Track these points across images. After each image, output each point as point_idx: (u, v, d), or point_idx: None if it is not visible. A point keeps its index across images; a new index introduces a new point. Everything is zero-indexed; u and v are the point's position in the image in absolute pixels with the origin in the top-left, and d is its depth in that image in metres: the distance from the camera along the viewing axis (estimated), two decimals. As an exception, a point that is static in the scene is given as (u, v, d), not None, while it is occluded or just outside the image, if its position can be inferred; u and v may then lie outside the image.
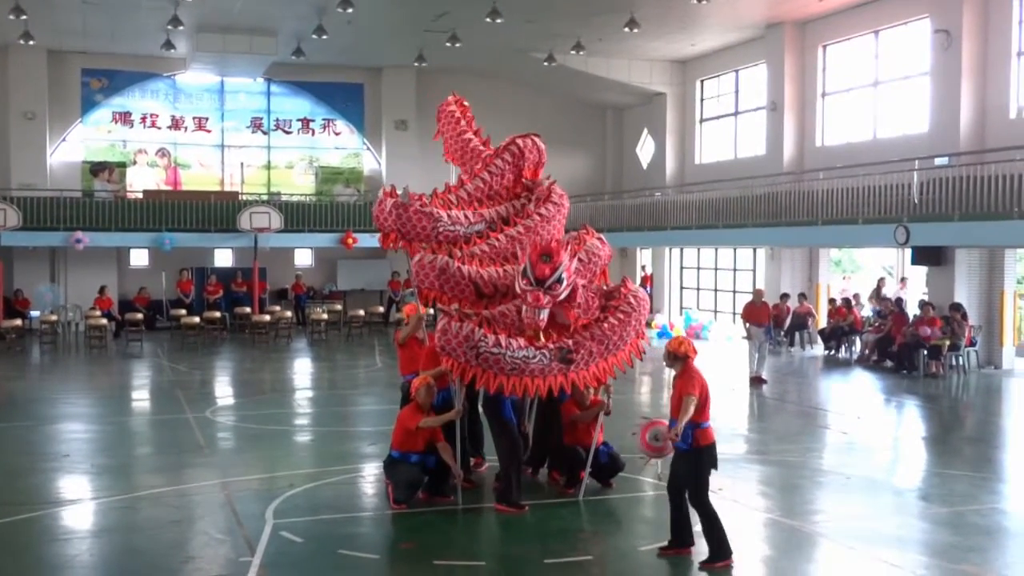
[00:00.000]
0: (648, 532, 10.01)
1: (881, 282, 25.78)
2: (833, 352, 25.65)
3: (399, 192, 11.22)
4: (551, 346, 10.40)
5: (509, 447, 10.76)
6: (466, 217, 11.27)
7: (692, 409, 8.68)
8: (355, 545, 9.45)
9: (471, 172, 11.94)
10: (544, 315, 10.30)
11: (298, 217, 33.09)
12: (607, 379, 11.01)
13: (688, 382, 8.86)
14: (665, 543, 9.16)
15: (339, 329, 31.57)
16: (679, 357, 9.03)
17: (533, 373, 10.31)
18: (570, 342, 10.49)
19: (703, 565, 8.82)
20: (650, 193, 33.32)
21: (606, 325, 10.71)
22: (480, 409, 11.66)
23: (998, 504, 11.25)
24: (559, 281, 10.24)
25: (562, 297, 10.41)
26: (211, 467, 12.84)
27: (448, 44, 29.77)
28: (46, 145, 33.03)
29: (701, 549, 8.99)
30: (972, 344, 22.31)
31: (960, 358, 22.06)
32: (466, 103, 12.72)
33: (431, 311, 12.63)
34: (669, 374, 23.04)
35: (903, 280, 25.27)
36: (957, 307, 22.16)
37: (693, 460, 8.86)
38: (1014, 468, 13.50)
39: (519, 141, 11.92)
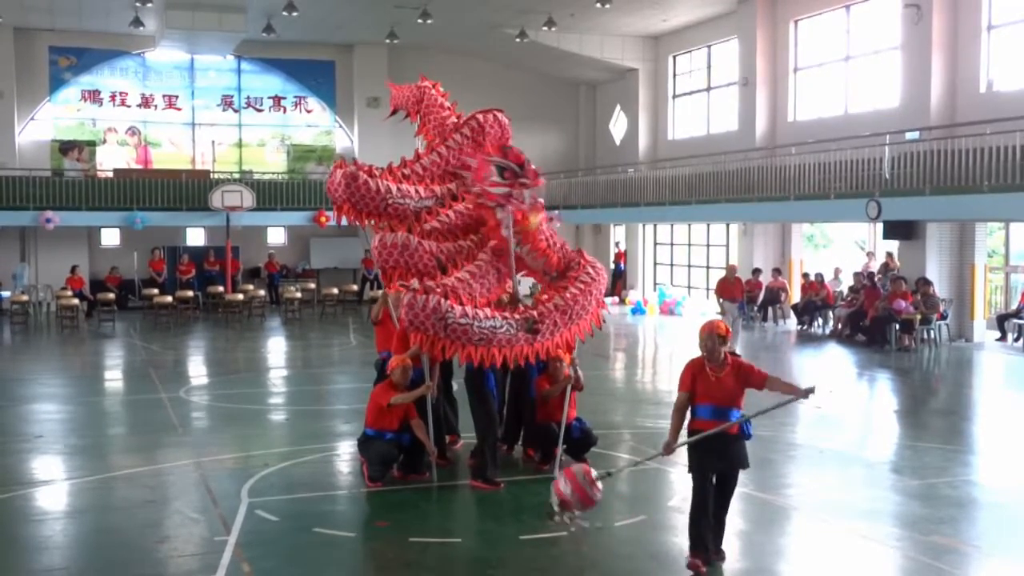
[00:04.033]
0: (623, 508, 10.03)
1: (889, 257, 25.66)
2: (806, 327, 25.79)
3: (348, 164, 11.20)
4: (517, 316, 10.36)
5: (487, 420, 10.77)
6: (416, 192, 11.22)
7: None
8: (331, 523, 9.43)
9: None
10: (508, 219, 10.44)
11: (270, 195, 32.88)
12: (570, 347, 11.01)
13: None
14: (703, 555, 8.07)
15: (313, 307, 31.49)
16: (726, 339, 8.48)
17: (500, 343, 10.25)
18: (535, 312, 10.46)
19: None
20: (623, 169, 33.38)
21: (568, 295, 10.69)
22: (458, 384, 11.64)
23: (969, 476, 11.35)
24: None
25: (527, 204, 10.59)
26: (185, 447, 12.78)
27: (420, 21, 29.61)
28: (14, 124, 32.69)
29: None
30: (943, 318, 22.47)
31: (931, 332, 22.24)
32: (441, 88, 12.63)
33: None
34: (645, 351, 23.27)
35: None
36: (926, 281, 22.30)
37: (746, 449, 8.35)
38: (984, 440, 13.64)
39: (479, 116, 11.84)
